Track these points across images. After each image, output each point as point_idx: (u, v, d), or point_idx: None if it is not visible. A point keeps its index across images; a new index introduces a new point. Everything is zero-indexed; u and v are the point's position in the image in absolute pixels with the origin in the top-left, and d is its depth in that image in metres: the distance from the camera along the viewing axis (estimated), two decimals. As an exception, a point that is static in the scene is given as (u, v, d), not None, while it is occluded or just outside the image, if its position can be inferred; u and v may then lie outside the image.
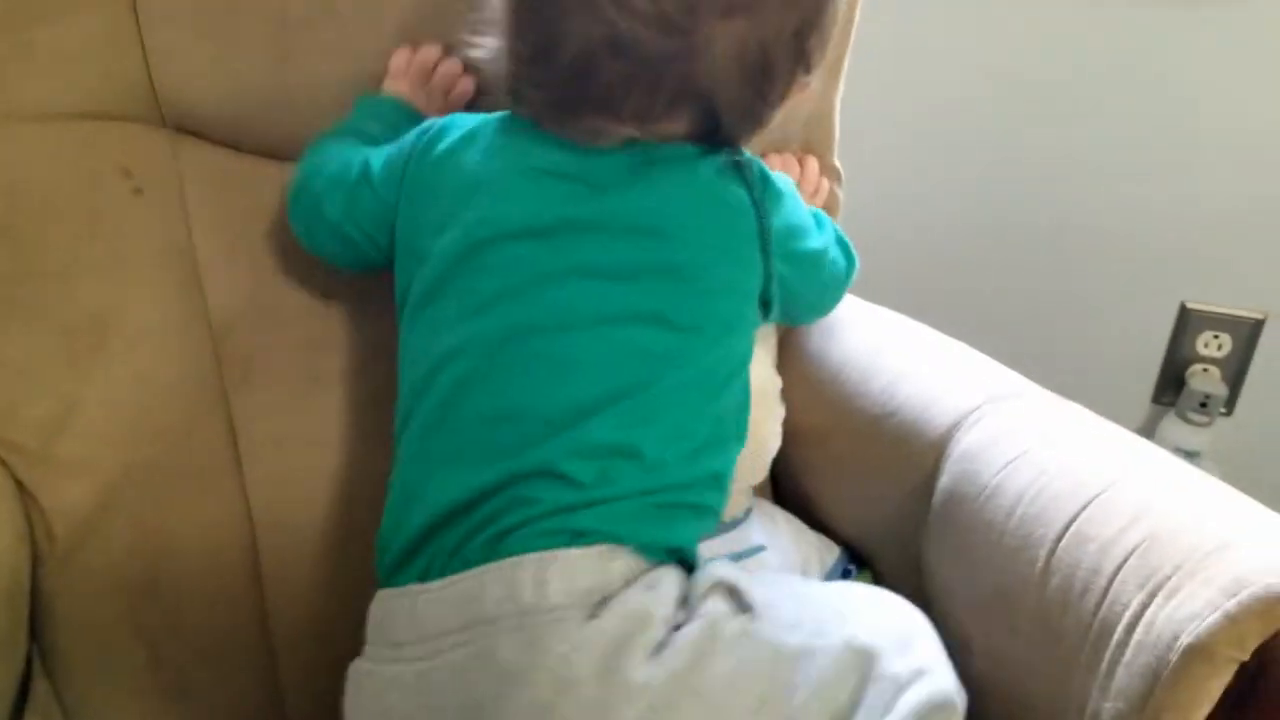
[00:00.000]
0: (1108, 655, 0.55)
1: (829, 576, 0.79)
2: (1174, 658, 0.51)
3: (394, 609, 0.62)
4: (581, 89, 0.64)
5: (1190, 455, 1.25)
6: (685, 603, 0.61)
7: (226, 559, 0.80)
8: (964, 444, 0.70)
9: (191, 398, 0.80)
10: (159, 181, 0.81)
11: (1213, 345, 1.24)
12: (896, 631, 0.62)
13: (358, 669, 0.63)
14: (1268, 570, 0.51)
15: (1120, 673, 0.54)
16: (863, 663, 0.59)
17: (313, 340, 0.83)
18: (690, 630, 0.58)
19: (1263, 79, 1.15)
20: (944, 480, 0.70)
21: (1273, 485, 1.27)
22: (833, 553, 0.82)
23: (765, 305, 0.70)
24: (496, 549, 0.60)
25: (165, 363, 0.79)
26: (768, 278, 0.69)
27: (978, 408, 0.72)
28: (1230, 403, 1.26)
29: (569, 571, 0.58)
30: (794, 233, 0.72)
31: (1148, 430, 1.30)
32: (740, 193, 0.67)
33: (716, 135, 0.66)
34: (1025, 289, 1.30)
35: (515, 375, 0.64)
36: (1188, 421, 1.24)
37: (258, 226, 0.83)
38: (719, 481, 0.67)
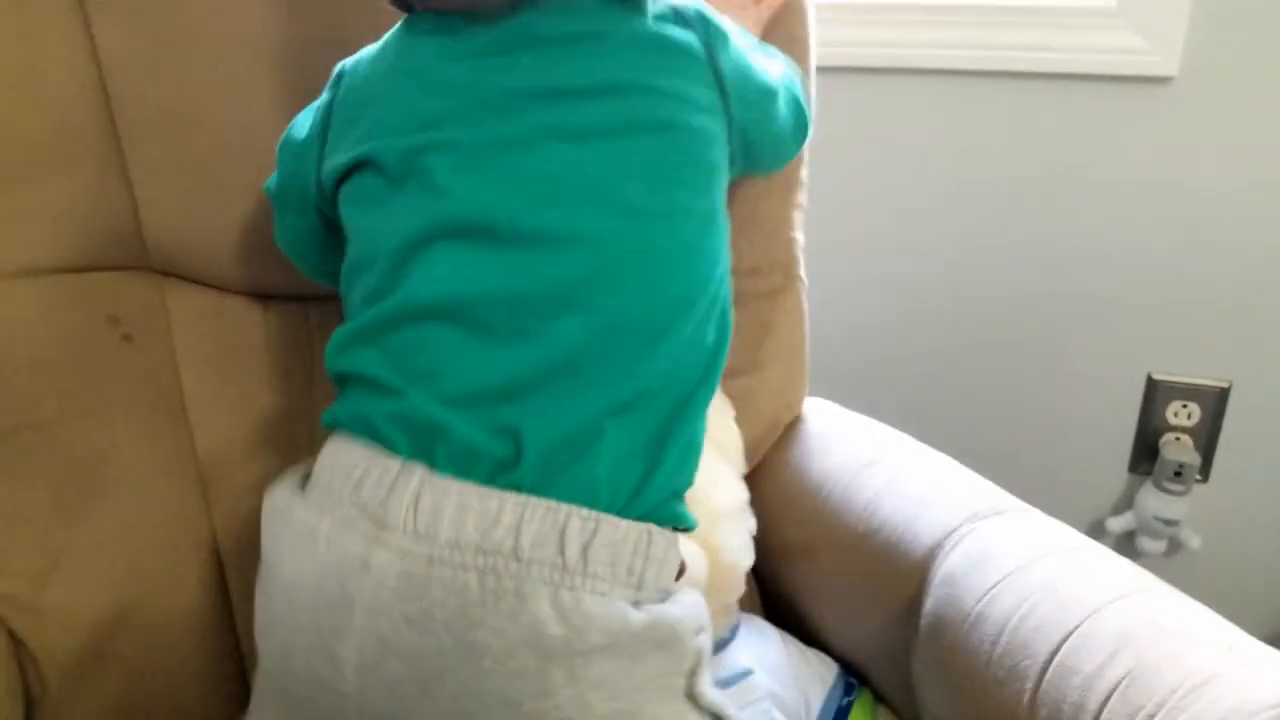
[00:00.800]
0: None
1: (830, 696, 0.79)
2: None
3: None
4: None
5: (1169, 524, 1.27)
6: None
7: (221, 701, 0.80)
8: (946, 567, 0.71)
9: (180, 540, 0.81)
10: (147, 325, 0.82)
11: (1182, 414, 1.26)
12: None
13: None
14: (1249, 710, 0.52)
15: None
16: None
17: (302, 476, 0.83)
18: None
19: (1211, 159, 1.19)
20: (929, 604, 0.71)
21: (1251, 552, 1.31)
22: (831, 671, 0.82)
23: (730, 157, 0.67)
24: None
25: (153, 506, 0.80)
26: (729, 123, 0.66)
27: (959, 527, 0.73)
28: (1205, 470, 1.28)
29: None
30: (746, 72, 0.68)
31: (1126, 500, 1.32)
32: (687, 34, 0.64)
33: None
34: (996, 367, 1.32)
35: (477, 268, 0.60)
36: (1165, 491, 1.26)
37: (245, 364, 0.84)
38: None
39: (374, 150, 0.63)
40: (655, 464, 0.59)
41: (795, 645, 0.84)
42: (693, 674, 0.59)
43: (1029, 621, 0.63)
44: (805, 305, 0.97)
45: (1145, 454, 1.30)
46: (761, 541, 0.87)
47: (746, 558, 0.84)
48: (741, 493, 0.86)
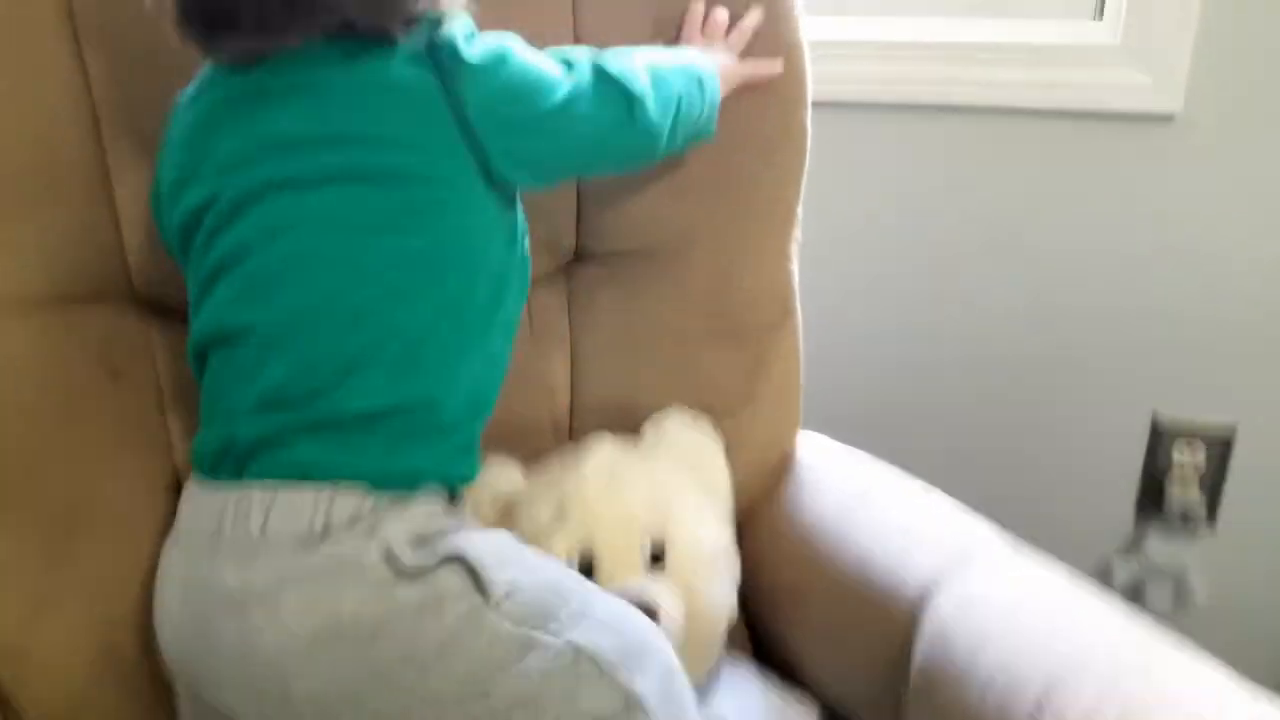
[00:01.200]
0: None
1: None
2: None
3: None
4: (203, 12, 0.66)
5: (1177, 569, 1.25)
6: (425, 542, 0.64)
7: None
8: (936, 618, 0.70)
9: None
10: (134, 361, 0.82)
11: (1187, 454, 1.24)
12: (632, 642, 0.64)
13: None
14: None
15: None
16: (582, 666, 0.61)
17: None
18: (409, 594, 0.62)
19: (1215, 196, 1.18)
20: (920, 655, 0.70)
21: (1258, 599, 1.28)
22: (812, 718, 0.80)
23: (497, 179, 0.70)
24: (243, 469, 0.65)
25: (138, 547, 0.78)
26: (483, 152, 0.68)
27: (948, 570, 0.72)
28: (1211, 513, 1.26)
29: (290, 509, 0.63)
30: (510, 97, 0.69)
31: (1135, 544, 1.30)
32: (423, 75, 0.67)
33: (359, 30, 0.66)
34: (999, 406, 1.31)
35: (238, 295, 0.68)
36: (1172, 534, 1.25)
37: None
38: (456, 392, 0.69)
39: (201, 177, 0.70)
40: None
41: (777, 692, 0.83)
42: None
43: (1017, 675, 0.62)
44: (800, 340, 0.97)
45: (1151, 496, 1.28)
46: (752, 582, 0.86)
47: (726, 607, 0.83)
48: (726, 536, 0.86)
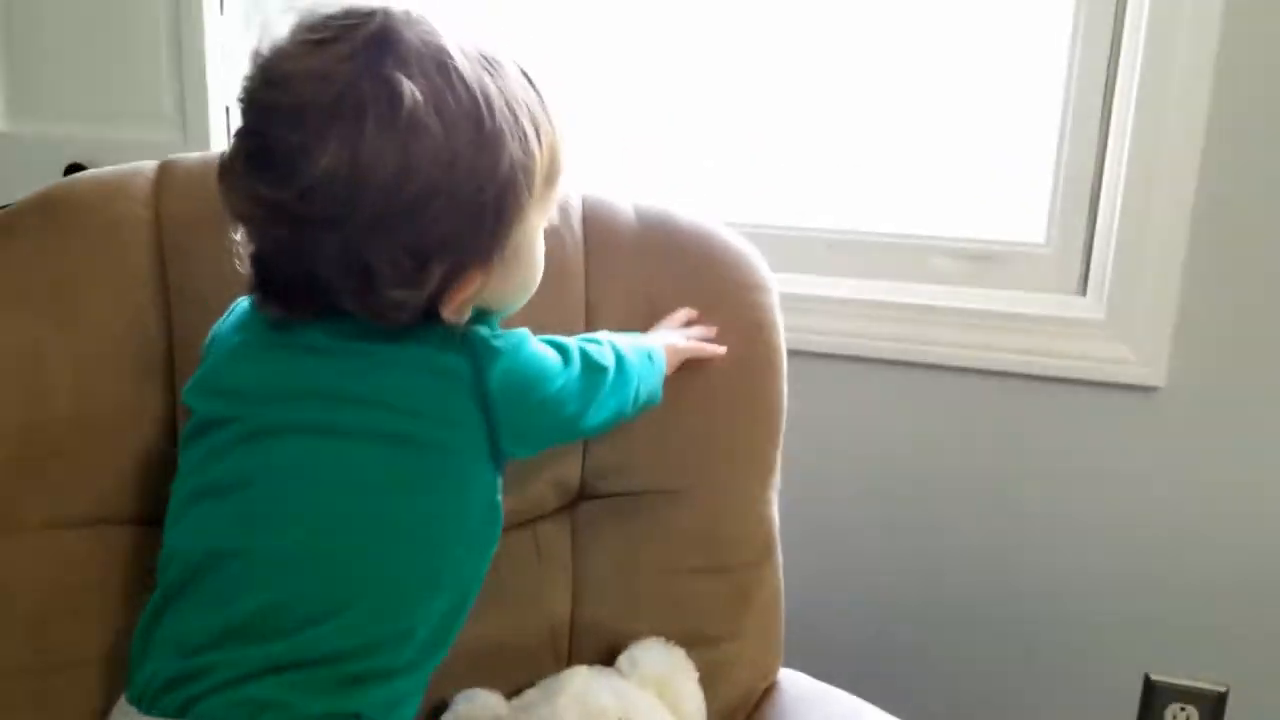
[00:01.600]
0: None
1: None
2: None
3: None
4: (263, 284, 0.74)
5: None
6: None
7: None
8: None
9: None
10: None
11: (1180, 717, 1.25)
12: None
13: None
14: None
15: None
16: None
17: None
18: None
19: (1199, 465, 1.23)
20: None
21: None
22: None
23: (499, 450, 0.76)
24: (190, 707, 0.68)
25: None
26: (495, 427, 0.75)
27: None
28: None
29: None
30: (526, 381, 0.77)
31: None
32: (459, 360, 0.74)
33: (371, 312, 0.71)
34: (989, 664, 1.33)
35: (230, 520, 0.73)
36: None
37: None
38: (422, 632, 0.73)
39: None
40: None
41: None
42: None
43: None
44: (780, 578, 1.04)
45: (1146, 758, 1.28)
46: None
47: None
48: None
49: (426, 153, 0.65)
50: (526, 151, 0.69)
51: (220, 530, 0.73)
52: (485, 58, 0.69)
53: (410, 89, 0.64)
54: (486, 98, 0.67)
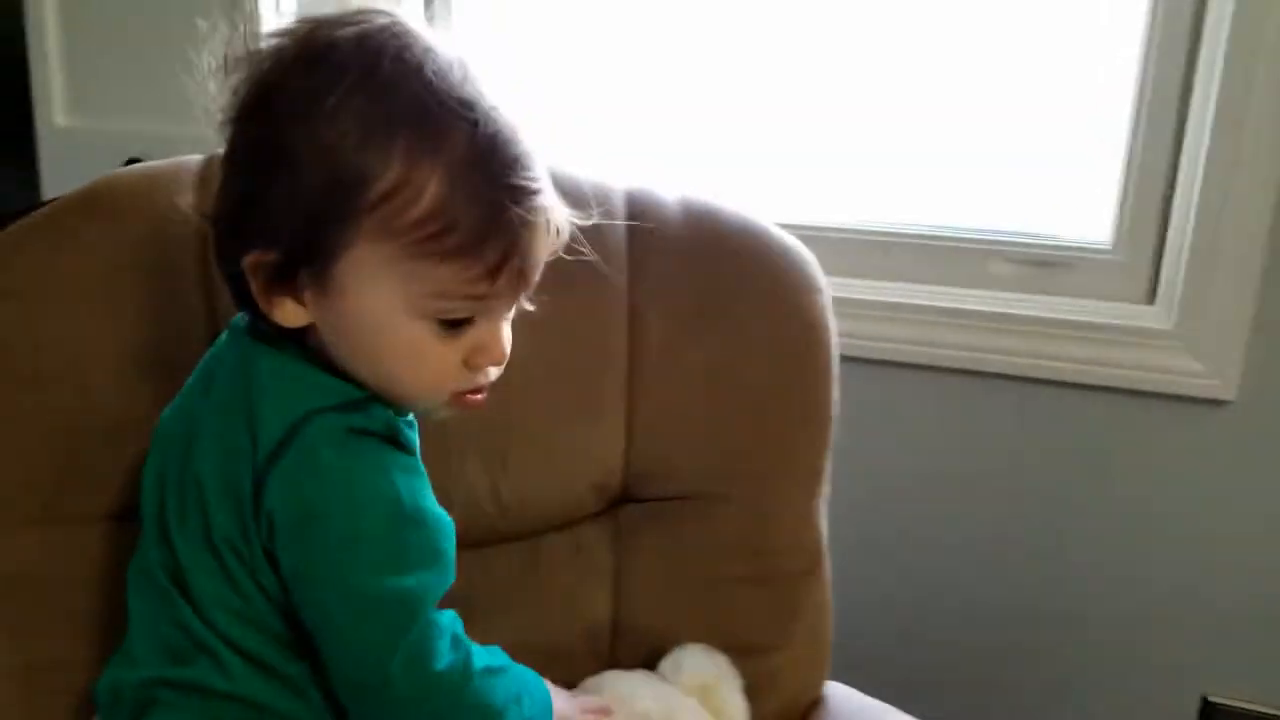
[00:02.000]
0: None
1: None
2: None
3: None
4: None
5: None
6: None
7: None
8: None
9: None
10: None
11: (1240, 742, 1.21)
12: None
13: None
14: None
15: None
16: None
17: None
18: None
19: (1269, 481, 1.20)
20: None
21: None
22: None
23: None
24: None
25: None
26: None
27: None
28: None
29: None
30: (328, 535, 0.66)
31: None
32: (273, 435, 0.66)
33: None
34: (1045, 683, 1.31)
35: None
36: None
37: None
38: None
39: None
40: None
41: None
42: None
43: None
44: (829, 591, 1.02)
45: (1204, 779, 1.24)
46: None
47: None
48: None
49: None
50: (381, 166, 0.62)
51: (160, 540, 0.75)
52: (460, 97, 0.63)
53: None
54: (391, 91, 0.62)
